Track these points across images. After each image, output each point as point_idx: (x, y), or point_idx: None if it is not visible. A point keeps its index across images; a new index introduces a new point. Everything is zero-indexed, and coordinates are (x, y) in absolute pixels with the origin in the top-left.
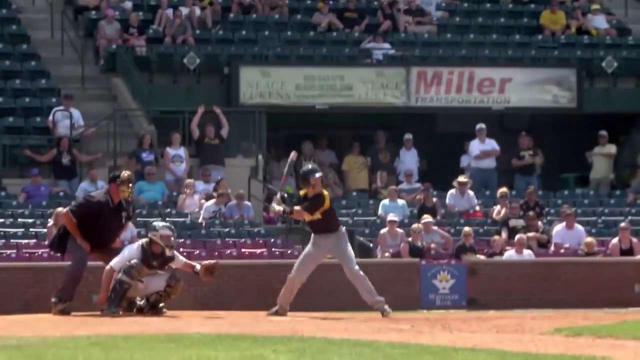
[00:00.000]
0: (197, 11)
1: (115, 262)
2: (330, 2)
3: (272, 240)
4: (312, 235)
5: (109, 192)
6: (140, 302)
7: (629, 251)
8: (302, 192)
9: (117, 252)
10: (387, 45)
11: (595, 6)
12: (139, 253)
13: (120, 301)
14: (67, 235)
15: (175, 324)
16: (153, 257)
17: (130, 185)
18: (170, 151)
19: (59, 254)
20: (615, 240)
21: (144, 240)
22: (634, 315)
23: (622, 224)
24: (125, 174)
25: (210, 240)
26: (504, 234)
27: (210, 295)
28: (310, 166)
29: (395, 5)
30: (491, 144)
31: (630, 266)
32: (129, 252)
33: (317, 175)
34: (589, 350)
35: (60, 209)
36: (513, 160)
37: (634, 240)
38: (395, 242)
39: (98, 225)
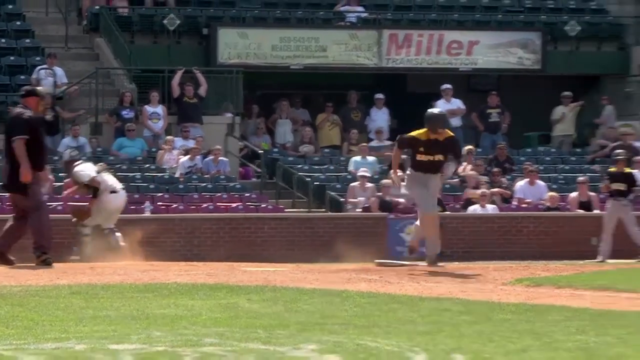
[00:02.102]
0: None
1: None
2: None
3: (247, 194)
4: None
5: (28, 107)
6: None
7: (587, 205)
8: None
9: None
10: (360, 8)
11: None
12: None
13: None
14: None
15: (154, 275)
16: None
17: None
18: (149, 109)
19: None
20: (574, 194)
21: None
22: (591, 267)
23: (580, 178)
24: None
25: (187, 195)
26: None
27: (187, 247)
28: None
29: None
30: (456, 104)
31: (588, 220)
32: None
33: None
34: (549, 300)
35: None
36: (473, 115)
37: (592, 194)
38: (365, 196)
39: (37, 144)
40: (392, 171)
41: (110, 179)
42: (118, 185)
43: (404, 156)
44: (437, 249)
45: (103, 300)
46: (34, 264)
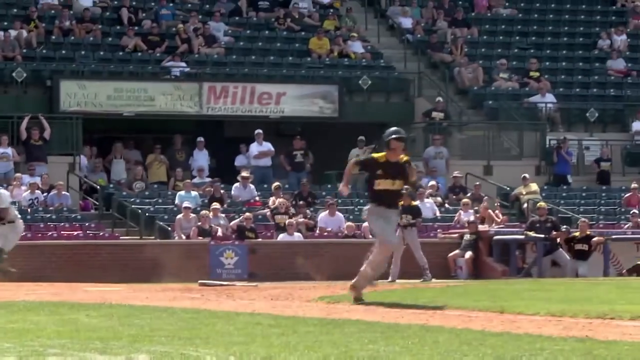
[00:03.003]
0: (24, 33)
1: None
2: (136, 27)
3: (87, 224)
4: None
5: None
6: None
7: None
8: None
9: None
10: (183, 64)
11: (353, 34)
12: None
13: None
14: None
15: (3, 294)
16: None
17: None
18: (0, 149)
19: None
20: (365, 224)
21: None
22: (383, 286)
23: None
24: None
25: (35, 224)
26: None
27: (34, 270)
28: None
29: (190, 31)
30: (267, 146)
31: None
32: None
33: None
34: (346, 315)
35: None
36: (281, 156)
37: None
38: (189, 226)
39: None
40: (342, 184)
41: (13, 209)
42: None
43: (355, 172)
44: (377, 274)
45: None
46: None
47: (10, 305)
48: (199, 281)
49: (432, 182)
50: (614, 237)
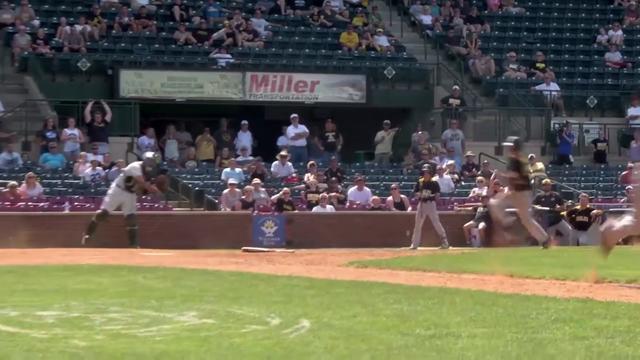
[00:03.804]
0: (88, 28)
1: None
2: (187, 23)
3: (143, 197)
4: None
5: None
6: None
7: (401, 205)
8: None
9: None
10: (228, 56)
11: (379, 29)
12: None
13: None
14: None
15: (71, 258)
16: None
17: None
18: (67, 131)
19: None
20: (390, 198)
21: None
22: (405, 253)
23: (393, 185)
24: None
25: (97, 197)
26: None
27: (97, 237)
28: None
29: (234, 27)
30: (302, 128)
31: (402, 217)
32: None
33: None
34: (373, 278)
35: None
36: (315, 138)
37: (404, 197)
38: (234, 199)
39: None
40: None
41: None
42: None
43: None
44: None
45: (32, 278)
46: None
47: (77, 268)
48: (243, 248)
49: (450, 161)
50: (611, 209)
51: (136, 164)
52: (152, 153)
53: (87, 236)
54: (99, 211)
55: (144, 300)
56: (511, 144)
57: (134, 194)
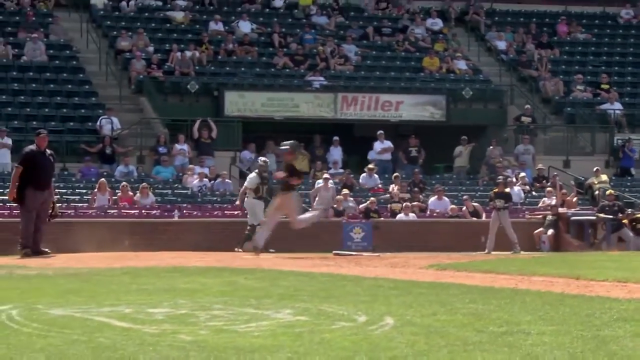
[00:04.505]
0: (197, 54)
1: None
2: (285, 49)
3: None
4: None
5: (36, 144)
6: None
7: (476, 214)
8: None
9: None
10: (322, 78)
11: (458, 54)
12: None
13: None
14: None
15: (179, 260)
16: None
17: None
18: (177, 146)
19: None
20: (464, 207)
21: None
22: (480, 257)
23: (465, 196)
24: (43, 131)
25: (203, 205)
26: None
27: (204, 241)
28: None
29: (327, 52)
30: (388, 144)
31: (478, 224)
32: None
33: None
34: (450, 279)
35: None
36: (399, 152)
37: (477, 205)
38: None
39: (38, 169)
40: None
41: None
42: None
43: None
44: None
45: (145, 278)
46: (100, 253)
47: (184, 269)
48: (333, 252)
49: (522, 174)
50: None
51: (252, 175)
52: (263, 158)
53: (249, 245)
54: (248, 227)
55: (244, 299)
56: (287, 147)
57: (261, 201)
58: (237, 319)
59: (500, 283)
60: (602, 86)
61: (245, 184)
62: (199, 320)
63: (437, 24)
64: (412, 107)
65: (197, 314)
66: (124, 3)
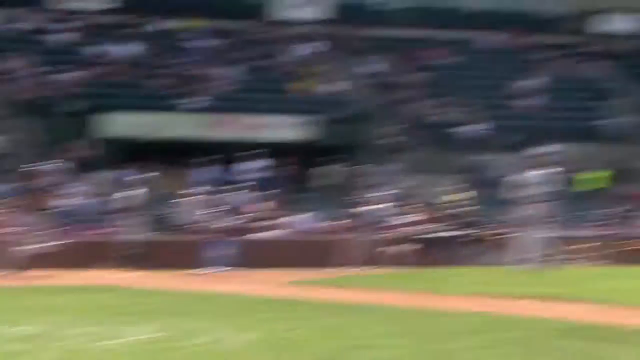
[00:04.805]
0: (72, 75)
1: None
2: (161, 69)
3: None
4: None
5: None
6: None
7: (343, 231)
8: None
9: None
10: (199, 99)
11: (330, 76)
12: None
13: None
14: None
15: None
16: None
17: None
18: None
19: None
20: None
21: None
22: (341, 273)
23: (333, 214)
24: None
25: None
26: None
27: None
28: None
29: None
30: (261, 163)
31: (343, 241)
32: None
33: None
34: (313, 295)
35: None
36: (273, 172)
37: (342, 222)
38: None
39: None
40: None
41: None
42: None
43: None
44: None
45: None
46: None
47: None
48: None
49: (386, 192)
50: None
51: None
52: None
53: None
54: None
55: (104, 317)
56: None
57: None
58: (97, 336)
59: (358, 298)
60: (466, 109)
61: None
62: (54, 338)
63: (310, 47)
64: (285, 128)
65: (53, 333)
66: None
